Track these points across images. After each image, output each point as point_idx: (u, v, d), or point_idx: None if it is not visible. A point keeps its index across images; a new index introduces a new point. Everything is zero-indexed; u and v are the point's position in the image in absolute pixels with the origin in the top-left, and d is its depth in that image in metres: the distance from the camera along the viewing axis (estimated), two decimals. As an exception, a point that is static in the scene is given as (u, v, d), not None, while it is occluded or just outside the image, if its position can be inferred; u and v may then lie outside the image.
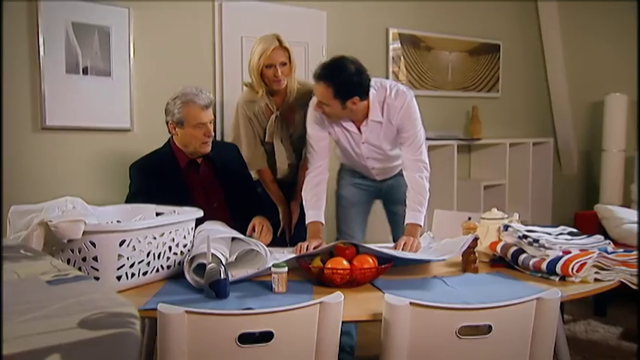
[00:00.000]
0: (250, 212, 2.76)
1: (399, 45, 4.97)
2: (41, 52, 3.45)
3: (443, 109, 5.24)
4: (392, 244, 2.66)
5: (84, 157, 3.70)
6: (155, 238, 2.10)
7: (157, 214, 2.37)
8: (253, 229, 2.64)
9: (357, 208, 3.12)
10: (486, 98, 5.58)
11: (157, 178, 2.67)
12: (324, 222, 2.78)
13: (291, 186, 3.28)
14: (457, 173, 4.92)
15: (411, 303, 1.74)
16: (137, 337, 0.77)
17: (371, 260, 2.17)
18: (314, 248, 2.44)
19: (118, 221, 2.32)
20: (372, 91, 2.69)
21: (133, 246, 2.01)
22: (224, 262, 2.10)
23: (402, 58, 4.98)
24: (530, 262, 2.29)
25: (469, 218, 2.44)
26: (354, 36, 4.68)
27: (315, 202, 2.79)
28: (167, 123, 2.71)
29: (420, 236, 2.71)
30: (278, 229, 3.20)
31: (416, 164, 2.74)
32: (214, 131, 2.79)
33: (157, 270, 2.14)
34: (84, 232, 1.91)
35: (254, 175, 3.19)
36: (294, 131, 3.15)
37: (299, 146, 3.21)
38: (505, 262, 2.41)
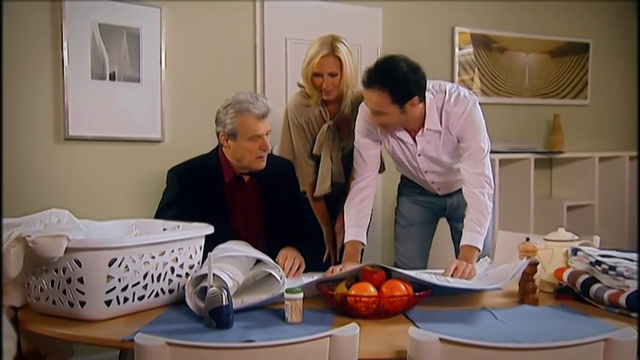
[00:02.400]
0: (290, 243, 2.63)
1: (469, 46, 4.79)
2: (65, 56, 3.46)
3: (518, 118, 5.03)
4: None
5: (110, 171, 3.68)
6: (154, 257, 1.99)
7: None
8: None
9: (417, 228, 2.99)
10: (571, 105, 5.32)
11: (197, 190, 2.57)
12: (365, 242, 2.66)
13: (337, 203, 3.13)
14: (535, 191, 4.71)
15: (440, 339, 1.55)
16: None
17: (403, 287, 1.98)
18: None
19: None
20: (429, 96, 2.56)
21: (126, 266, 1.90)
22: (230, 286, 1.97)
23: (470, 61, 4.80)
24: (605, 295, 2.06)
25: (527, 239, 2.21)
26: (415, 36, 4.54)
27: (357, 218, 2.66)
28: (218, 134, 2.61)
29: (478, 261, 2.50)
30: (323, 254, 3.10)
31: (477, 179, 2.58)
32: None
33: (157, 294, 2.03)
34: (68, 250, 1.81)
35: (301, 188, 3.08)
36: (346, 144, 3.03)
37: (348, 161, 3.06)
38: (573, 294, 2.18)
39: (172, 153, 3.62)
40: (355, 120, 2.93)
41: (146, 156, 3.77)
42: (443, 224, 3.09)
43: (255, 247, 2.42)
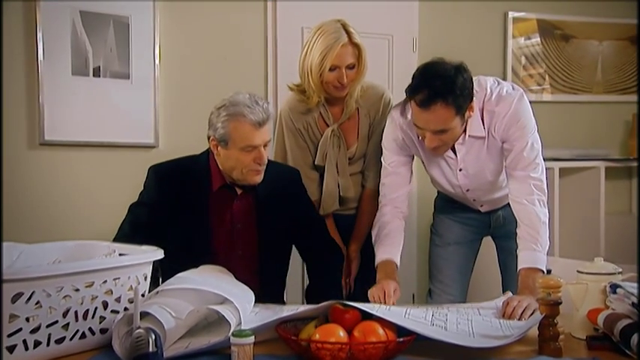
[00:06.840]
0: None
1: (535, 35, 4.69)
2: (39, 48, 3.44)
3: (586, 119, 4.88)
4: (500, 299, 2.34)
5: (93, 181, 3.64)
6: (78, 290, 1.82)
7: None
8: None
9: (455, 248, 2.87)
10: (656, 103, 5.06)
11: (176, 195, 2.48)
12: (398, 263, 2.54)
13: (350, 222, 2.98)
14: (608, 207, 4.52)
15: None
16: None
17: (381, 331, 1.76)
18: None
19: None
20: None
21: (38, 301, 1.74)
22: (171, 326, 1.79)
23: (535, 53, 4.70)
24: (651, 347, 1.80)
25: (549, 271, 1.96)
26: (458, 24, 4.47)
27: (385, 242, 2.57)
28: (208, 138, 2.50)
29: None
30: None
31: (523, 182, 2.45)
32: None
33: (83, 335, 1.85)
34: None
35: None
36: (354, 152, 2.90)
37: (357, 171, 2.95)
38: (611, 342, 1.92)
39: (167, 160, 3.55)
40: (363, 122, 2.86)
41: (137, 164, 3.61)
42: (489, 245, 2.94)
43: (241, 275, 2.28)
